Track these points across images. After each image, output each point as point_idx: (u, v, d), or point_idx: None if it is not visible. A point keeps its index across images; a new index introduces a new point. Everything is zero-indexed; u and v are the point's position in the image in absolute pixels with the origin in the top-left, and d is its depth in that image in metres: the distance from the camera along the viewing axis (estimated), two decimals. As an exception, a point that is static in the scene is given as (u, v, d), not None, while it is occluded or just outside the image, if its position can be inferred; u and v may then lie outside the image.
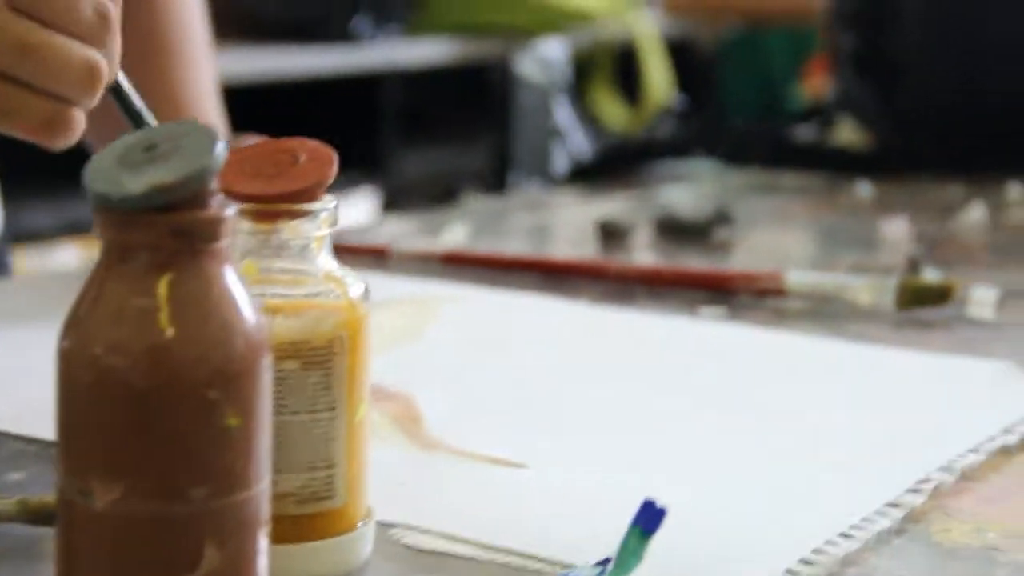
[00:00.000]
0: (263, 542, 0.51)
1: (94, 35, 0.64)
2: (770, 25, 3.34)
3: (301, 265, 0.57)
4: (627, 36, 3.06)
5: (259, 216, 0.56)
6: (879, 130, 1.58)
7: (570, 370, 0.87)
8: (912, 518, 0.65)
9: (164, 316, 0.48)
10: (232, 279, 0.50)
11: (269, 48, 2.55)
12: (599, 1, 2.97)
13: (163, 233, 0.48)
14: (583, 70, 3.12)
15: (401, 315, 0.97)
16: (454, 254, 1.12)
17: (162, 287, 0.48)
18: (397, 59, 2.73)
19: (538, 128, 2.66)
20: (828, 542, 0.61)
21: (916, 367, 0.88)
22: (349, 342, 0.57)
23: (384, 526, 0.62)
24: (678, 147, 1.63)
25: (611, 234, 1.22)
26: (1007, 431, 0.75)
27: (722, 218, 1.24)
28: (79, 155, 0.64)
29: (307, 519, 0.57)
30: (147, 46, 1.11)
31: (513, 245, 1.22)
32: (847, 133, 1.62)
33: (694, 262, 1.15)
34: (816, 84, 2.68)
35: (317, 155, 0.57)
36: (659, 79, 3.05)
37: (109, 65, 0.66)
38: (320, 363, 0.56)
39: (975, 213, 1.31)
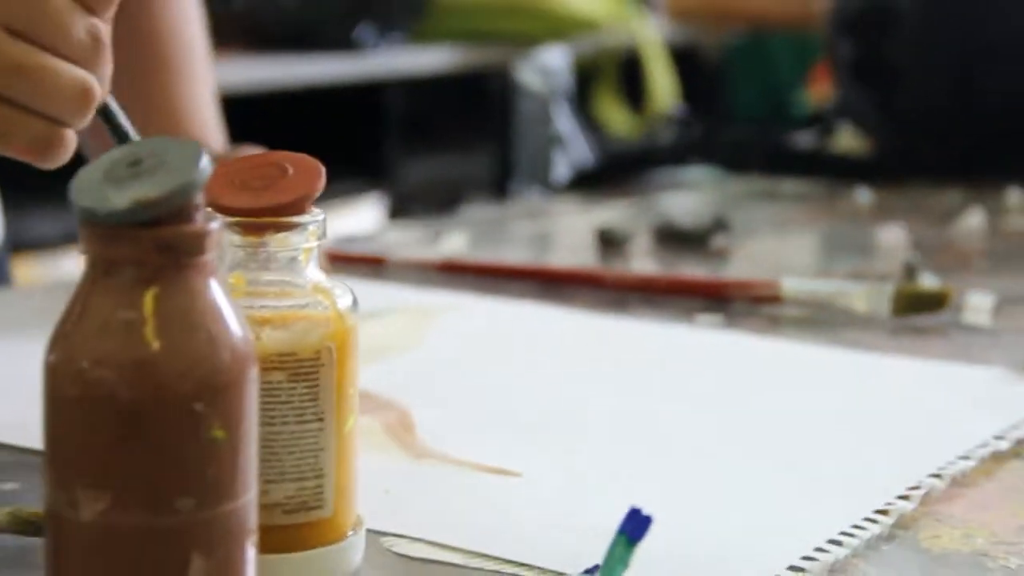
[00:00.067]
0: (251, 552, 0.51)
1: (87, 57, 0.65)
2: (775, 31, 3.34)
3: (289, 277, 0.58)
4: (632, 43, 3.06)
5: (247, 229, 0.57)
6: (878, 136, 1.59)
7: (565, 378, 0.87)
8: (902, 524, 0.66)
9: (150, 330, 0.48)
10: (218, 292, 0.50)
11: (273, 57, 2.55)
12: (603, 8, 2.98)
13: (148, 248, 0.48)
14: (588, 77, 3.12)
15: (397, 324, 0.97)
16: (452, 263, 1.13)
17: (148, 301, 0.49)
18: (401, 67, 2.74)
19: (539, 136, 2.66)
20: (817, 549, 0.62)
21: (910, 374, 0.88)
22: (337, 353, 0.57)
23: (375, 534, 0.63)
24: (678, 155, 1.64)
25: (610, 242, 1.22)
26: (999, 437, 0.76)
27: (720, 226, 1.25)
28: (83, 165, 0.65)
29: (296, 529, 0.57)
30: (146, 59, 1.12)
31: (512, 253, 1.22)
32: (847, 139, 1.62)
33: (692, 270, 1.15)
34: (821, 90, 2.69)
35: (305, 168, 0.58)
36: (663, 86, 3.05)
37: (101, 86, 0.66)
38: (308, 374, 0.56)
39: (973, 219, 1.31)
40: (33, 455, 0.72)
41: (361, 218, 2.76)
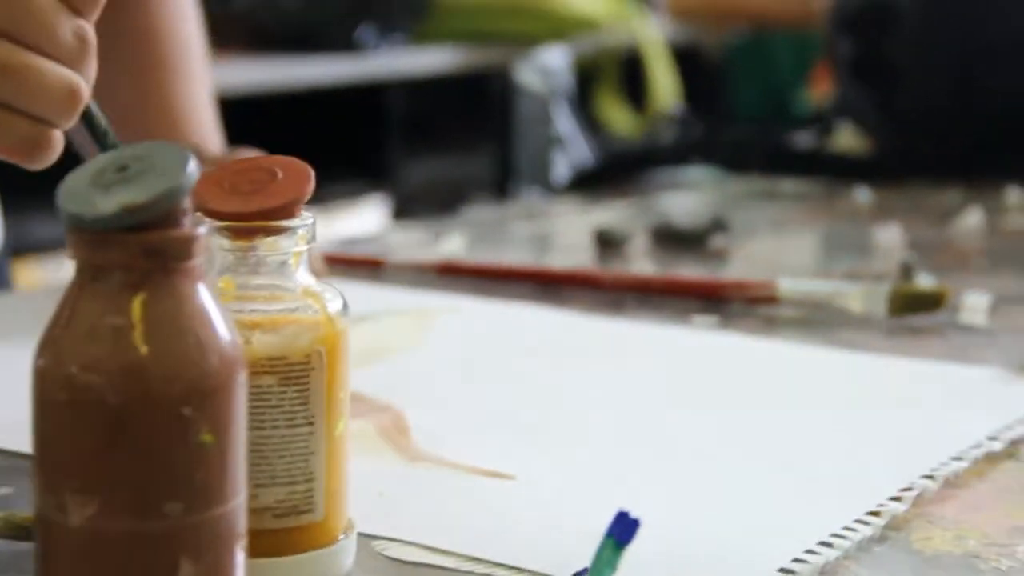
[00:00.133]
0: (240, 556, 0.51)
1: (73, 57, 0.65)
2: (776, 30, 3.34)
3: (279, 281, 0.58)
4: (632, 43, 3.06)
5: (237, 233, 0.57)
6: (878, 136, 1.59)
7: (561, 380, 0.87)
8: (894, 526, 0.66)
9: (138, 334, 0.48)
10: (206, 296, 0.50)
11: (275, 58, 2.55)
12: (604, 8, 2.98)
13: (135, 252, 0.49)
14: (589, 77, 3.12)
15: (395, 326, 0.97)
16: (450, 264, 1.13)
17: (136, 306, 0.49)
18: (402, 68, 2.74)
19: (539, 136, 2.66)
20: (808, 551, 0.62)
21: (905, 374, 0.88)
22: (327, 357, 0.57)
23: (367, 538, 0.63)
24: (678, 155, 1.64)
25: (607, 243, 1.22)
26: (992, 438, 0.76)
27: (718, 226, 1.25)
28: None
29: (287, 533, 0.57)
30: (143, 60, 1.12)
31: (511, 254, 1.22)
32: (847, 139, 1.62)
33: (690, 270, 1.15)
34: (823, 89, 2.68)
35: (294, 172, 0.58)
36: (665, 85, 3.05)
37: (88, 88, 0.66)
38: (298, 378, 0.57)
39: (972, 218, 1.31)
40: (29, 459, 0.72)
41: (364, 219, 2.77)
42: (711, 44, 3.47)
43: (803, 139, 1.70)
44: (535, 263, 1.17)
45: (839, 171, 1.53)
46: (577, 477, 0.71)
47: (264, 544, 0.57)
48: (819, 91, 2.85)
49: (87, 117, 0.66)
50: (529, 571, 0.60)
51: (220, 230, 0.57)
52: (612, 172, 1.61)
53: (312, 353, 0.57)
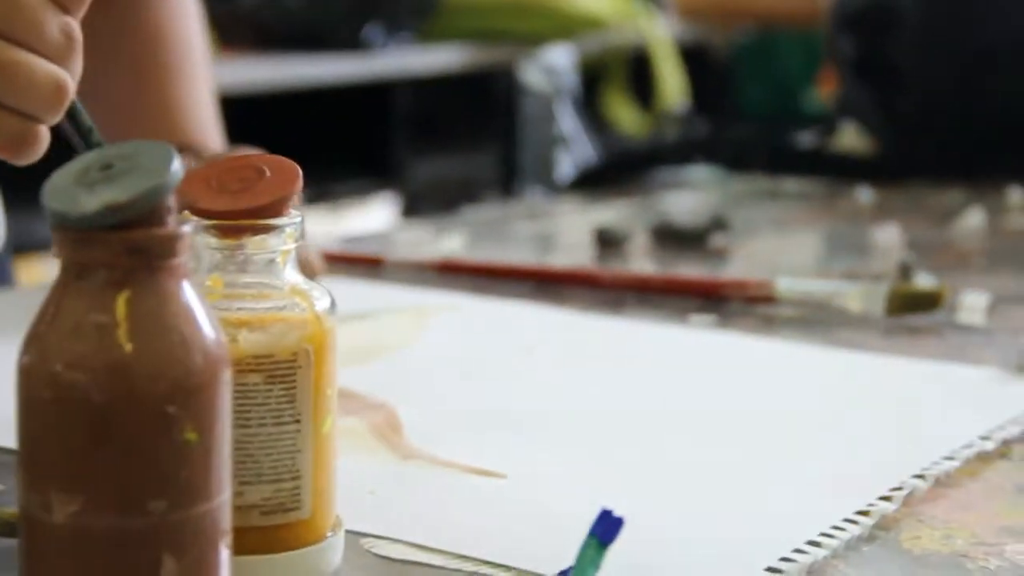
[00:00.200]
0: (224, 554, 0.51)
1: (60, 54, 0.65)
2: (783, 29, 3.34)
3: (267, 279, 0.58)
4: (640, 42, 3.06)
5: (224, 231, 0.57)
6: (880, 135, 1.59)
7: (558, 379, 0.87)
8: (883, 525, 0.66)
9: (122, 332, 0.49)
10: (190, 295, 0.50)
11: (281, 57, 2.56)
12: (612, 7, 2.98)
13: (119, 251, 0.49)
14: (596, 76, 3.12)
15: (393, 324, 0.98)
16: (449, 263, 1.13)
17: (120, 304, 0.49)
18: (408, 67, 2.74)
19: (542, 136, 2.66)
20: (796, 550, 0.62)
21: (901, 373, 0.88)
22: (314, 355, 0.57)
23: (356, 535, 0.63)
24: (681, 154, 1.64)
25: (608, 242, 1.23)
26: (985, 437, 0.76)
27: (718, 225, 1.25)
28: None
29: (274, 530, 0.57)
30: (144, 58, 1.12)
31: (513, 253, 1.22)
32: (849, 138, 1.62)
33: (690, 269, 1.15)
34: (831, 88, 2.68)
35: (282, 170, 0.58)
36: (672, 84, 3.05)
37: (74, 84, 0.67)
38: (284, 376, 0.57)
39: (973, 218, 1.31)
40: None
41: (373, 217, 2.77)
42: (719, 43, 3.47)
43: (806, 139, 1.70)
44: (536, 262, 1.17)
45: (841, 171, 1.53)
46: (569, 476, 0.71)
47: (251, 542, 0.57)
48: (827, 90, 2.85)
49: (72, 114, 0.67)
50: (516, 569, 0.60)
51: (208, 228, 0.57)
52: (615, 171, 1.61)
53: (299, 351, 0.57)
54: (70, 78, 0.66)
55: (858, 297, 1.00)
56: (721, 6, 3.36)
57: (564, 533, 0.62)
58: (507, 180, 2.78)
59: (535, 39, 2.86)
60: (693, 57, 3.27)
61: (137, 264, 0.49)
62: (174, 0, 1.14)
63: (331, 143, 2.80)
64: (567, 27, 2.90)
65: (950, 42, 1.52)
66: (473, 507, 0.67)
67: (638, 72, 3.12)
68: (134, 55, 1.12)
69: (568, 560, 0.57)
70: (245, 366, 0.56)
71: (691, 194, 1.52)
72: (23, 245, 1.53)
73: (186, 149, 1.05)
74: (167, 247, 0.49)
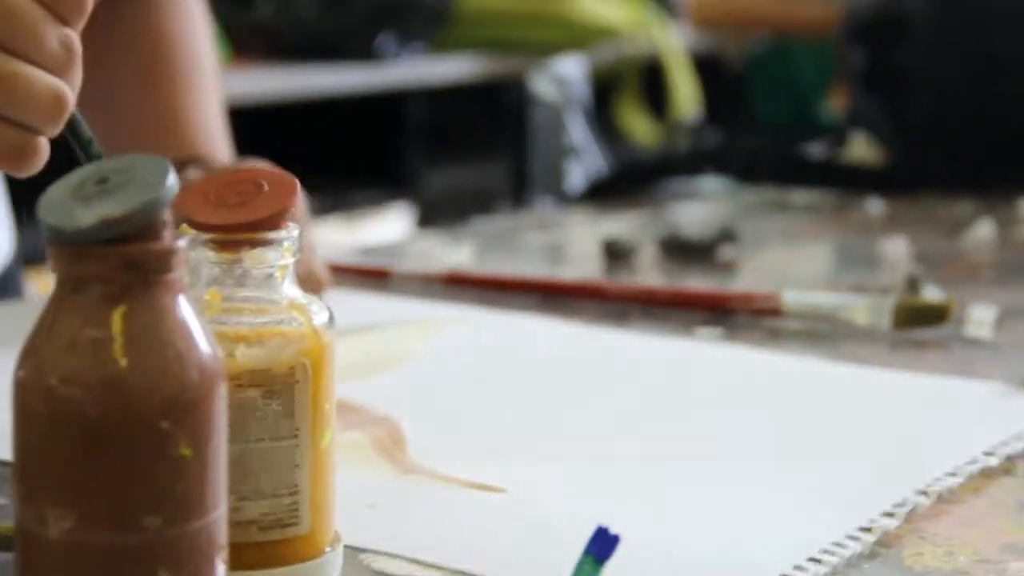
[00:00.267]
0: (220, 569, 0.51)
1: (59, 65, 0.65)
2: (798, 39, 3.33)
3: (265, 293, 0.58)
4: (654, 51, 3.06)
5: (222, 246, 0.57)
6: (891, 146, 1.58)
7: (561, 393, 0.87)
8: (885, 542, 0.65)
9: (117, 347, 0.49)
10: (186, 309, 0.50)
11: (295, 67, 2.56)
12: (625, 17, 2.98)
13: (115, 265, 0.49)
14: (609, 86, 3.12)
15: (398, 337, 0.97)
16: (456, 275, 1.13)
17: (115, 319, 0.49)
18: (422, 77, 2.74)
19: (552, 146, 2.66)
20: (796, 567, 0.61)
21: (906, 388, 0.88)
22: (312, 369, 0.57)
23: (354, 551, 0.63)
24: (692, 165, 1.64)
25: (615, 253, 1.22)
26: (989, 453, 0.75)
27: (727, 237, 1.24)
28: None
29: (272, 545, 0.57)
30: (152, 68, 1.12)
31: (521, 264, 1.22)
32: (860, 149, 1.62)
33: (698, 281, 1.15)
34: (845, 98, 2.68)
35: (280, 184, 0.58)
36: (686, 94, 3.05)
37: (73, 95, 0.67)
38: (282, 391, 0.57)
39: (983, 230, 1.30)
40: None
41: (388, 227, 2.77)
42: (733, 53, 3.46)
43: (816, 149, 1.70)
44: (545, 273, 1.17)
45: (851, 182, 1.53)
46: (569, 490, 0.71)
47: (249, 557, 0.57)
48: (842, 100, 2.84)
49: (72, 126, 0.67)
50: (511, 584, 0.60)
51: (206, 242, 0.57)
52: (626, 182, 1.61)
53: (296, 366, 0.57)
54: (69, 90, 0.66)
55: (865, 310, 1.00)
56: (735, 15, 3.36)
57: (563, 548, 0.62)
58: (518, 190, 2.78)
59: (549, 49, 2.86)
60: (707, 67, 3.27)
61: (133, 279, 0.49)
62: (182, 10, 1.14)
63: (344, 153, 2.80)
64: (581, 37, 2.90)
65: (961, 52, 1.52)
66: (472, 522, 0.67)
67: (652, 82, 3.12)
68: (142, 65, 1.12)
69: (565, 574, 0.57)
70: (243, 380, 0.56)
71: (701, 205, 1.52)
72: (33, 256, 1.54)
73: (194, 160, 1.05)
74: (163, 262, 0.49)
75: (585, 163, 2.61)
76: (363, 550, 0.63)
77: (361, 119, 2.79)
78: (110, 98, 1.09)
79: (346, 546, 0.62)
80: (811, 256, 1.27)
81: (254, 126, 2.56)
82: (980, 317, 1.01)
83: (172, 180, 0.49)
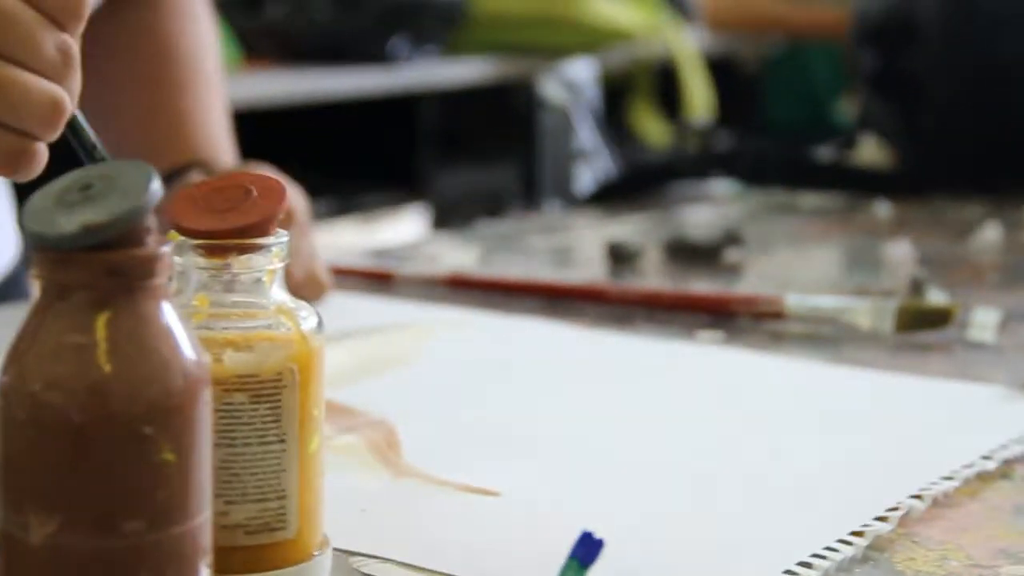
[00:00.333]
0: (204, 574, 0.51)
1: (56, 71, 0.65)
2: (813, 42, 3.33)
3: (253, 298, 0.58)
4: (668, 54, 3.05)
5: (210, 251, 0.57)
6: (901, 148, 1.58)
7: (560, 396, 0.87)
8: (878, 546, 0.65)
9: (101, 353, 0.49)
10: (170, 315, 0.50)
11: (307, 70, 2.56)
12: (639, 19, 2.97)
13: (98, 272, 0.49)
14: (623, 88, 3.12)
15: (397, 340, 0.97)
16: (459, 278, 1.13)
17: (99, 325, 0.49)
18: (434, 80, 2.74)
19: (560, 149, 2.66)
20: (786, 571, 0.61)
21: (905, 391, 0.88)
22: (300, 375, 0.57)
23: (345, 554, 0.63)
24: (700, 168, 1.63)
25: (620, 256, 1.22)
26: (986, 457, 0.75)
27: (732, 240, 1.24)
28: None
29: (259, 550, 0.57)
30: (156, 72, 1.12)
31: (526, 267, 1.22)
32: (870, 152, 1.62)
33: (703, 285, 1.15)
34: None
35: (268, 190, 0.58)
36: (700, 97, 3.04)
37: (72, 101, 0.67)
38: (269, 395, 0.57)
39: (990, 233, 1.30)
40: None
41: (403, 229, 2.77)
42: (748, 56, 3.46)
43: (825, 152, 1.69)
44: (550, 276, 1.17)
45: (860, 185, 1.52)
46: (563, 493, 0.71)
47: (236, 561, 0.57)
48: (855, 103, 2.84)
49: (75, 131, 0.67)
50: (502, 589, 0.60)
51: (194, 248, 0.57)
52: (634, 185, 1.61)
53: (284, 371, 0.57)
54: (66, 95, 0.66)
55: (867, 313, 1.00)
56: (750, 18, 3.35)
57: (555, 552, 0.62)
58: (528, 193, 2.78)
59: (562, 52, 2.86)
60: (722, 70, 3.26)
61: (116, 285, 0.49)
62: (187, 13, 1.15)
63: (357, 156, 2.80)
64: (594, 40, 2.90)
65: (970, 56, 1.51)
66: (464, 526, 0.66)
67: (666, 85, 3.11)
68: (145, 69, 1.12)
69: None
70: (230, 385, 0.56)
71: (708, 208, 1.52)
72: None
73: (197, 165, 1.06)
74: (146, 268, 0.49)
75: (594, 166, 2.61)
76: (354, 554, 0.63)
77: (374, 122, 2.79)
78: (113, 102, 1.09)
79: (337, 550, 0.62)
80: (817, 259, 1.26)
81: (266, 129, 2.57)
82: (983, 321, 1.00)
83: (155, 187, 0.49)
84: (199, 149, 1.08)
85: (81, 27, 0.68)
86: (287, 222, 1.01)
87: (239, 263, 0.57)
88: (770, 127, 3.36)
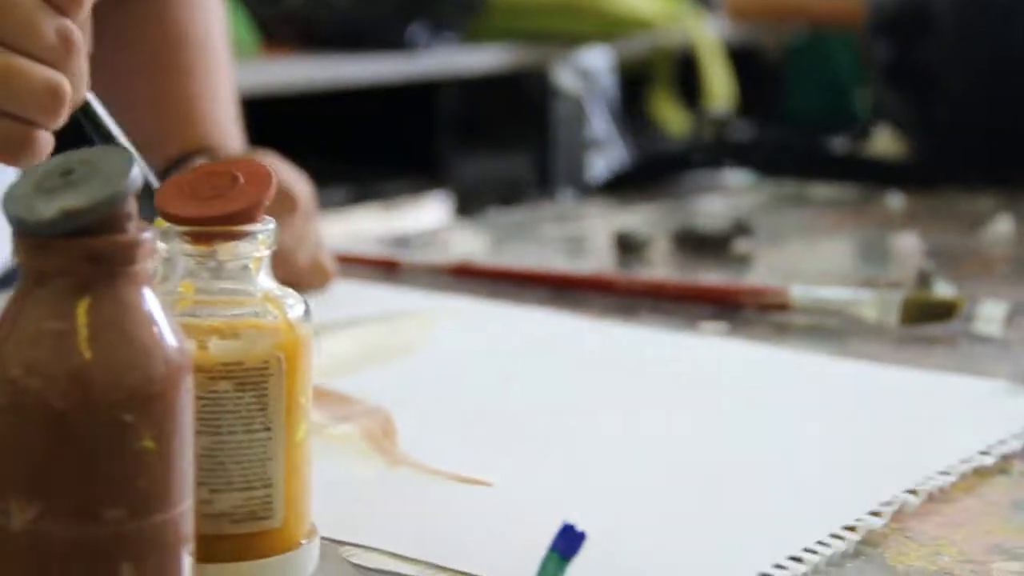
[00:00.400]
0: (186, 562, 0.51)
1: (57, 57, 0.65)
2: (836, 31, 3.31)
3: (239, 286, 0.58)
4: (688, 43, 3.04)
5: (196, 238, 0.57)
6: (915, 139, 1.57)
7: (561, 386, 0.87)
8: (871, 541, 0.65)
9: (81, 340, 0.49)
10: (152, 302, 0.50)
11: (326, 56, 2.56)
12: (659, 8, 2.96)
13: (78, 257, 0.49)
14: (642, 77, 3.11)
15: (400, 328, 0.97)
16: (465, 267, 1.12)
17: (79, 311, 0.49)
18: (453, 67, 2.74)
19: (574, 138, 2.65)
20: (776, 565, 0.61)
21: (906, 385, 0.87)
22: (286, 363, 0.57)
23: (334, 543, 0.62)
24: (713, 158, 1.63)
25: (628, 246, 1.22)
26: (984, 452, 0.74)
27: (741, 230, 1.24)
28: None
29: (245, 538, 0.57)
30: (163, 57, 1.12)
31: (538, 256, 1.21)
32: (884, 143, 1.61)
33: (711, 275, 1.14)
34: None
35: (255, 177, 0.58)
36: (720, 86, 3.03)
37: (75, 86, 0.66)
38: (255, 383, 0.56)
39: (1002, 226, 1.29)
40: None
41: (425, 217, 2.77)
42: (770, 45, 3.45)
43: (839, 143, 1.69)
44: (561, 265, 1.16)
45: (873, 176, 1.52)
46: (556, 484, 0.71)
47: (222, 550, 0.57)
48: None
49: (88, 114, 0.67)
50: (484, 580, 0.60)
51: (180, 234, 0.57)
52: (647, 175, 1.60)
53: (270, 358, 0.57)
54: (66, 81, 0.66)
55: (873, 306, 0.99)
56: (771, 6, 3.34)
57: (542, 544, 0.62)
58: (542, 182, 2.78)
59: (582, 40, 2.85)
60: (744, 59, 3.25)
61: (96, 271, 0.49)
62: (196, 2, 1.14)
63: (376, 143, 2.80)
64: (614, 28, 2.89)
65: (984, 47, 1.50)
66: (455, 516, 0.66)
67: (687, 74, 3.10)
68: (154, 54, 1.12)
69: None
70: (215, 373, 0.56)
71: (720, 199, 1.51)
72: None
73: (204, 151, 1.05)
74: (127, 254, 0.49)
75: (608, 155, 2.60)
76: (343, 543, 0.63)
77: (393, 109, 2.79)
78: (120, 88, 1.09)
79: (326, 539, 0.62)
80: (827, 251, 1.26)
81: (285, 115, 2.57)
82: (990, 314, 1.00)
83: (136, 172, 0.49)
84: (206, 136, 1.08)
85: (83, 12, 0.67)
86: (292, 209, 1.01)
87: (225, 250, 0.57)
88: (792, 116, 3.34)
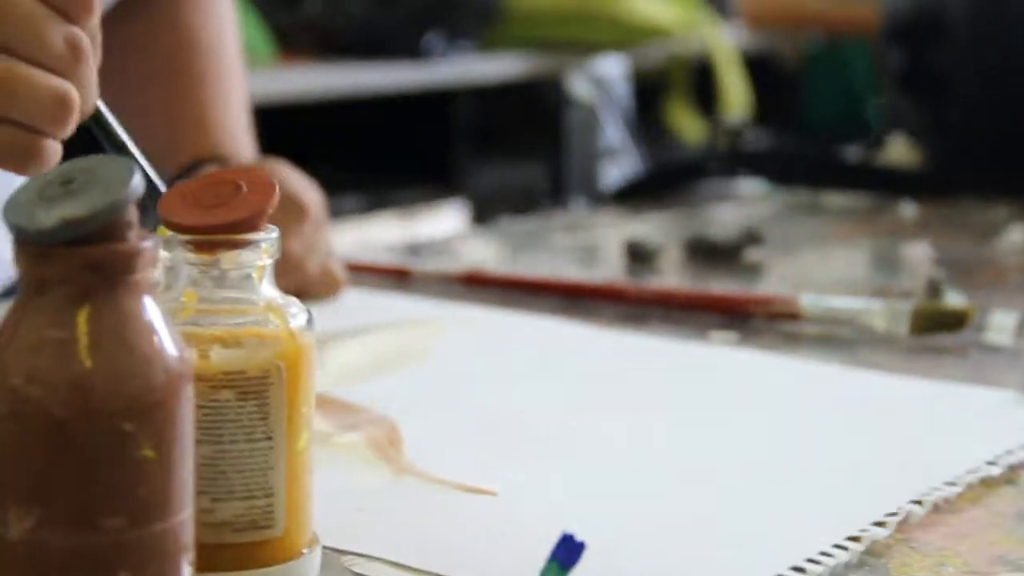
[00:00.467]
0: (186, 571, 0.51)
1: (65, 65, 0.65)
2: (853, 39, 3.31)
3: (242, 294, 0.58)
4: (705, 51, 3.04)
5: (199, 246, 0.57)
6: (929, 148, 1.57)
7: (567, 396, 0.87)
8: (875, 551, 0.64)
9: (81, 348, 0.49)
10: (152, 310, 0.50)
11: (343, 64, 2.57)
12: (675, 16, 2.96)
13: (78, 266, 0.49)
14: (658, 85, 3.10)
15: (409, 337, 0.97)
16: (475, 275, 1.12)
17: (79, 320, 0.49)
18: (469, 75, 2.74)
19: (587, 147, 2.65)
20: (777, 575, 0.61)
21: (915, 395, 0.87)
22: (288, 372, 0.57)
23: (336, 553, 0.62)
24: (726, 167, 1.63)
25: (639, 255, 1.22)
26: (991, 463, 0.74)
27: (752, 239, 1.23)
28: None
29: (246, 548, 0.57)
30: (174, 65, 1.12)
31: (549, 265, 1.21)
32: (898, 151, 1.60)
33: (722, 284, 1.14)
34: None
35: (259, 185, 0.58)
36: (737, 94, 3.03)
37: (84, 95, 0.66)
38: (256, 392, 0.56)
39: (1015, 235, 1.29)
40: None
41: (442, 225, 2.77)
42: (787, 53, 3.44)
43: (853, 152, 1.68)
44: (573, 274, 1.16)
45: (886, 185, 1.51)
46: (561, 494, 0.70)
47: (223, 559, 0.57)
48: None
49: (100, 124, 0.67)
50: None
51: (183, 243, 0.57)
52: (660, 183, 1.60)
53: (271, 368, 0.57)
54: (75, 90, 0.66)
55: (883, 315, 0.99)
56: (789, 15, 3.33)
57: (544, 554, 0.62)
58: (556, 191, 2.78)
59: (597, 48, 2.85)
60: (761, 67, 3.24)
61: (97, 280, 0.49)
62: (208, 6, 1.15)
63: (392, 151, 2.80)
64: (630, 36, 2.89)
65: (999, 55, 1.50)
66: (459, 526, 0.66)
67: (704, 82, 3.10)
68: (166, 61, 1.12)
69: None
70: (217, 382, 0.56)
71: (733, 207, 1.51)
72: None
73: (215, 159, 1.06)
74: (127, 263, 0.49)
75: (622, 164, 2.60)
76: (346, 553, 0.63)
77: (409, 117, 2.79)
78: (132, 94, 1.09)
79: (329, 548, 0.62)
80: (839, 260, 1.26)
81: (302, 123, 2.57)
82: (1001, 323, 0.99)
83: (136, 181, 0.49)
84: (217, 144, 1.08)
85: (92, 19, 0.67)
86: (302, 218, 1.01)
87: (228, 259, 0.57)
88: (809, 124, 3.34)
